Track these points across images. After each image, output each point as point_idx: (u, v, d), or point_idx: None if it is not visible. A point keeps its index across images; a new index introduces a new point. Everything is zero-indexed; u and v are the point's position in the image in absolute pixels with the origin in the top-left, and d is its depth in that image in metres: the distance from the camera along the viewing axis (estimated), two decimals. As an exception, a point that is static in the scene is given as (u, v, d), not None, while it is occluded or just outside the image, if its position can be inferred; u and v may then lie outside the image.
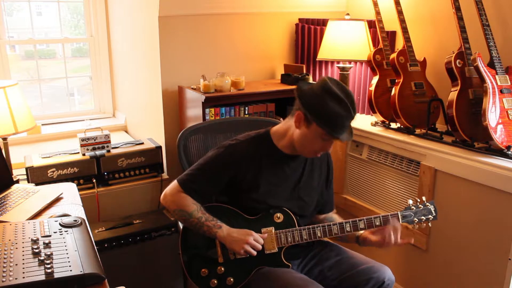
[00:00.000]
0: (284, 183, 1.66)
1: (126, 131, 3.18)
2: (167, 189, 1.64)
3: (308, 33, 2.82)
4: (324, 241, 1.77)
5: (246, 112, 2.44)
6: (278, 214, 1.63)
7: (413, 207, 1.66)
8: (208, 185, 1.62)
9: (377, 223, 1.61)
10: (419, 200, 1.68)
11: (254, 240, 1.54)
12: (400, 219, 1.63)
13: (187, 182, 1.61)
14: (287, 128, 1.62)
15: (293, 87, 2.34)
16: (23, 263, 1.09)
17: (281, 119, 2.27)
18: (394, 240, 1.57)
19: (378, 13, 2.45)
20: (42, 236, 1.23)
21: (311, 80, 2.69)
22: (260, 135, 1.67)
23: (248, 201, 1.62)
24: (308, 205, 1.71)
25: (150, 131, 2.78)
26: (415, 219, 1.64)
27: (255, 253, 1.55)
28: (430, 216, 1.66)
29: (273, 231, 1.60)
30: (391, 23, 2.52)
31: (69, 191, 1.74)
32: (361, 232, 1.67)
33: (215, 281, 1.58)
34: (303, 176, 1.70)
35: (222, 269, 1.59)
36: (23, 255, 1.13)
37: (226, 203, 1.66)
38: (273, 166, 1.64)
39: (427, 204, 1.67)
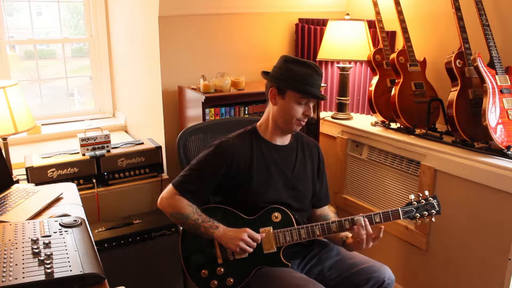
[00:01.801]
0: (277, 174, 1.67)
1: (126, 131, 3.18)
2: (163, 193, 1.65)
3: (308, 33, 2.82)
4: (324, 241, 1.77)
5: (246, 112, 2.43)
6: (276, 214, 1.62)
7: (414, 202, 1.63)
8: (202, 185, 1.63)
9: (377, 220, 1.60)
10: (421, 195, 1.65)
11: (249, 237, 1.54)
12: (401, 215, 1.61)
13: (181, 184, 1.62)
14: (267, 116, 1.68)
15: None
16: (23, 263, 1.08)
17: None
18: (366, 233, 1.56)
19: (378, 13, 2.45)
20: (42, 236, 1.23)
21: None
22: (247, 130, 1.71)
23: (244, 197, 1.63)
24: (303, 195, 1.71)
25: (150, 131, 2.78)
26: (417, 214, 1.62)
27: (250, 250, 1.54)
28: (433, 211, 1.62)
29: (271, 230, 1.60)
30: (391, 23, 2.52)
31: (69, 191, 1.74)
32: (347, 235, 1.67)
33: (216, 282, 1.59)
34: (296, 167, 1.71)
35: (222, 270, 1.59)
36: (23, 255, 1.12)
37: (223, 204, 1.66)
38: (263, 157, 1.65)
39: (430, 198, 1.64)
